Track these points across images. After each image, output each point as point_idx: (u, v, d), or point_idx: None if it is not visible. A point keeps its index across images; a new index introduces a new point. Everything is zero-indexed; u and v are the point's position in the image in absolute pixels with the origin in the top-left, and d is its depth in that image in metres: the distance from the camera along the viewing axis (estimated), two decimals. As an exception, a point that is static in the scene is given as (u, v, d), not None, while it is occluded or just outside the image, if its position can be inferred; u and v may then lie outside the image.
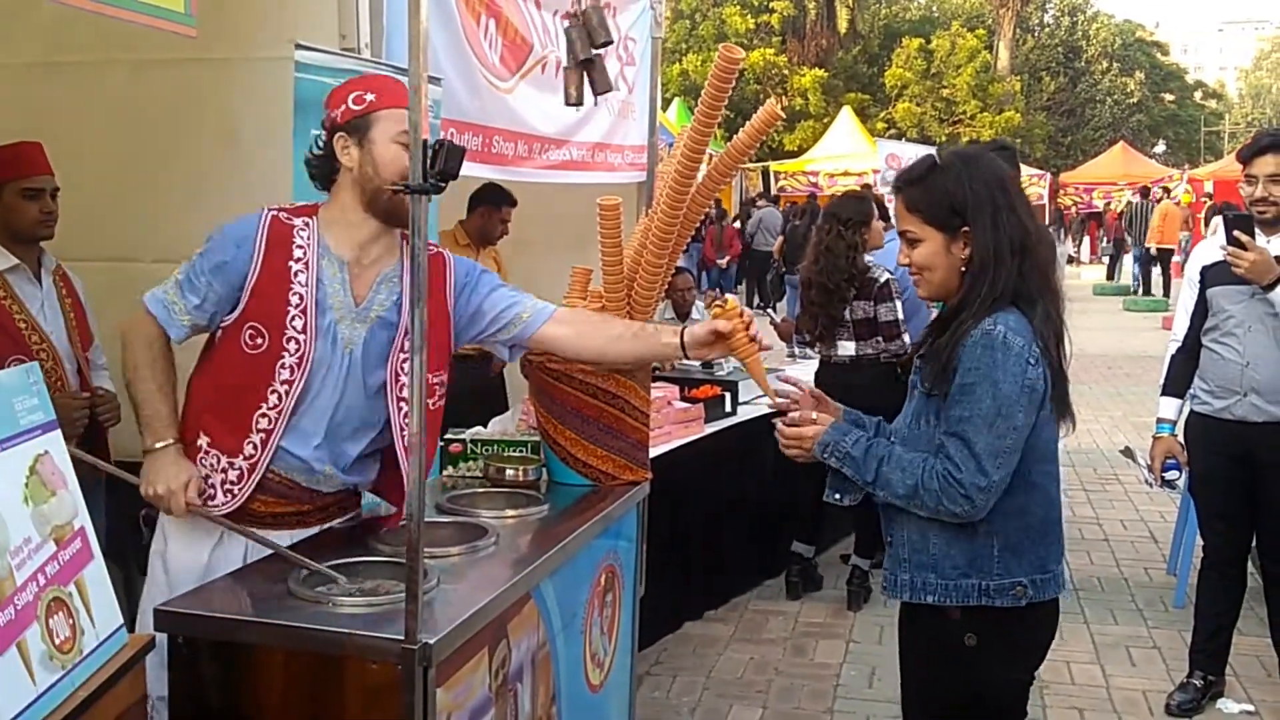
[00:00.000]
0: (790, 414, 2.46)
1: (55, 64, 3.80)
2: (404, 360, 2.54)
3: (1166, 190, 22.47)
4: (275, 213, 2.55)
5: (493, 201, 5.57)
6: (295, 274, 2.50)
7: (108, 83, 3.78)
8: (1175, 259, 19.05)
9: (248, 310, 2.48)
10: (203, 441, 2.53)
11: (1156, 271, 20.17)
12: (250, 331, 2.48)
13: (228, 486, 2.52)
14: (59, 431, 1.92)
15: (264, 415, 2.50)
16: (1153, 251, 19.98)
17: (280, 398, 2.49)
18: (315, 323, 2.50)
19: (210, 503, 2.51)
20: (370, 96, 2.52)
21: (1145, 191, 22.35)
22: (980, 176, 2.28)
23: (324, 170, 2.60)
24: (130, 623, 2.21)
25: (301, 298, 2.49)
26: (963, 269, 2.29)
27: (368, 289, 2.58)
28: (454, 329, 2.70)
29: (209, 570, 2.52)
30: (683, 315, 6.60)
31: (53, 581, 1.77)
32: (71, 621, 1.79)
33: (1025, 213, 2.29)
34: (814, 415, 2.43)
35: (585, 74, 3.15)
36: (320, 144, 2.60)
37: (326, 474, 2.60)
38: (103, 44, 3.60)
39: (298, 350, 2.49)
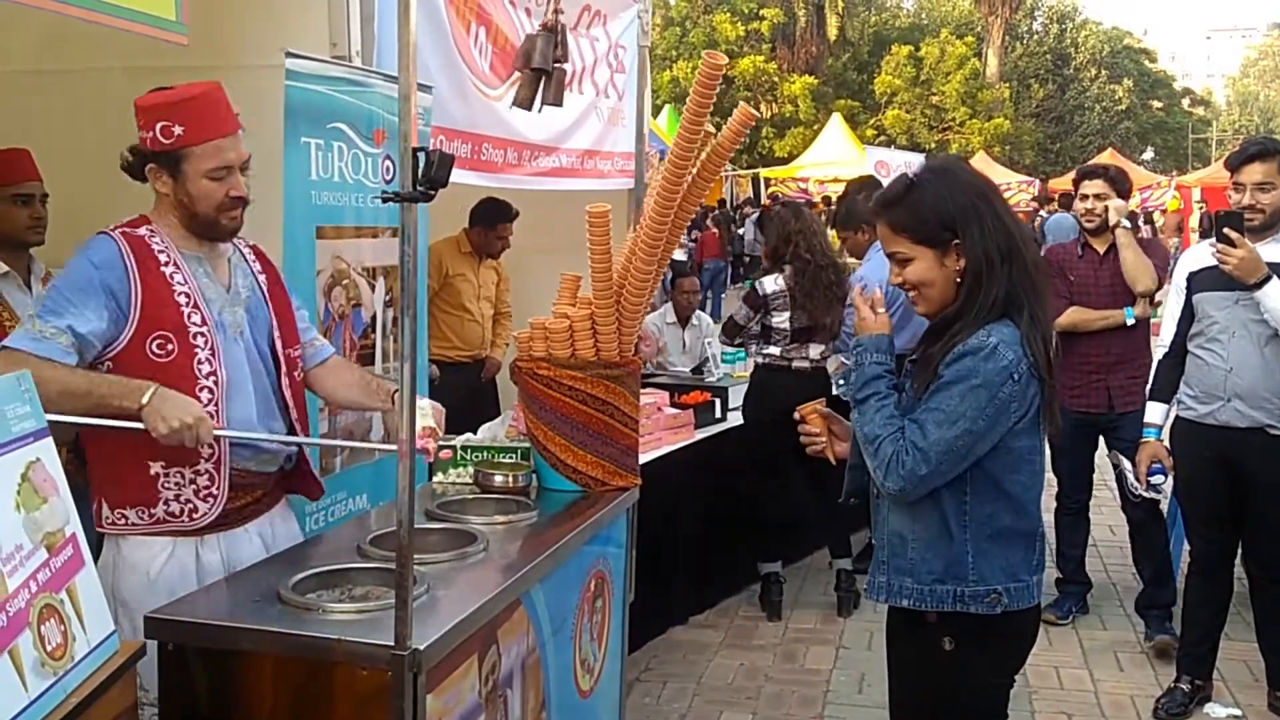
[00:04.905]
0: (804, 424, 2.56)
1: (46, 71, 3.80)
2: (292, 350, 2.75)
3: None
4: (121, 230, 2.52)
5: (486, 223, 5.75)
6: (171, 275, 2.51)
7: (99, 90, 3.77)
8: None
9: (144, 322, 2.45)
10: (157, 468, 2.49)
11: None
12: (157, 341, 2.46)
13: (204, 494, 2.53)
14: (50, 439, 1.93)
15: None
16: None
17: (211, 391, 2.51)
18: (208, 315, 2.54)
19: (194, 516, 2.52)
20: (178, 130, 2.46)
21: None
22: (959, 187, 2.31)
23: (141, 172, 2.56)
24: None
25: (188, 295, 2.52)
26: (958, 280, 2.31)
27: (228, 274, 2.66)
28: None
29: (160, 583, 2.48)
30: (684, 319, 6.52)
31: (45, 588, 1.78)
32: (63, 628, 1.80)
33: (1009, 217, 2.32)
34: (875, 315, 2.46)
35: (541, 82, 3.28)
36: (133, 153, 2.54)
37: (271, 449, 2.66)
38: (94, 52, 3.60)
39: (207, 343, 2.52)
